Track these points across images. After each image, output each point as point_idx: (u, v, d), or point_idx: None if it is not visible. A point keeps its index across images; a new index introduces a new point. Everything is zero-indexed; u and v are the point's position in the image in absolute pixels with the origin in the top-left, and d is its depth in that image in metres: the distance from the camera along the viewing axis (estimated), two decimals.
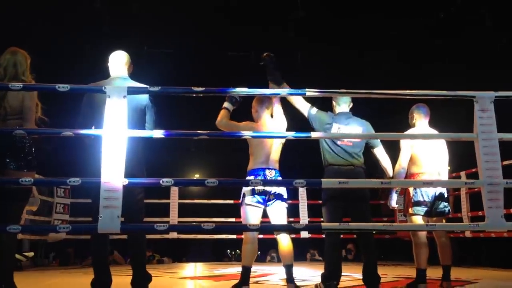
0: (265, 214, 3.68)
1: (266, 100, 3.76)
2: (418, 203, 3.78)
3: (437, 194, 3.78)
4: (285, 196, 3.66)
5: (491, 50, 8.06)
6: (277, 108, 3.76)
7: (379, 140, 3.69)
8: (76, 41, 9.03)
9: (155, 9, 8.56)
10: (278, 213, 3.62)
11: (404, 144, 3.83)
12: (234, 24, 8.78)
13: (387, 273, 5.28)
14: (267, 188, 3.54)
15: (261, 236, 6.51)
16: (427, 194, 3.77)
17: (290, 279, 3.52)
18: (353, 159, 3.54)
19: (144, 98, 3.15)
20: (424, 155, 3.83)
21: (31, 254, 7.25)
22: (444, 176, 3.92)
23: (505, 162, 5.06)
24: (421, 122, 3.95)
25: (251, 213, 3.56)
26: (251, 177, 3.54)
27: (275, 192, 3.57)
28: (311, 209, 7.77)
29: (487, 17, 7.67)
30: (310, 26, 8.75)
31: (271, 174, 3.58)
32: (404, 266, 6.53)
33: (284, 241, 3.57)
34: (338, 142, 3.55)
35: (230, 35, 9.23)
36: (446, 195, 3.87)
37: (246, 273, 3.51)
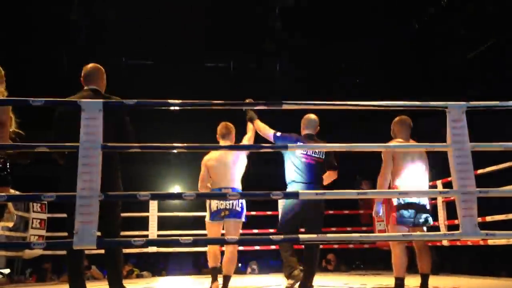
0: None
1: (227, 134, 4.41)
2: (401, 214, 3.78)
3: (420, 204, 3.80)
4: (242, 212, 4.23)
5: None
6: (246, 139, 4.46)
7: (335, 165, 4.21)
8: (51, 53, 8.94)
9: (133, 20, 8.53)
10: (230, 228, 4.22)
11: (386, 155, 3.86)
12: (213, 35, 8.81)
13: (366, 282, 5.31)
14: (222, 206, 4.17)
15: (241, 248, 6.49)
16: (410, 204, 3.78)
17: None
18: (314, 177, 4.10)
19: (115, 110, 3.09)
20: (406, 167, 3.85)
21: (7, 270, 7.10)
22: (425, 187, 3.97)
23: (479, 171, 5.16)
24: (402, 135, 3.99)
25: (210, 230, 4.31)
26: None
27: (231, 208, 4.17)
28: None
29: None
30: (289, 37, 8.83)
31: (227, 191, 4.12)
32: (383, 275, 6.57)
33: (228, 254, 4.19)
34: (303, 160, 4.12)
35: (209, 46, 9.26)
36: (428, 206, 3.89)
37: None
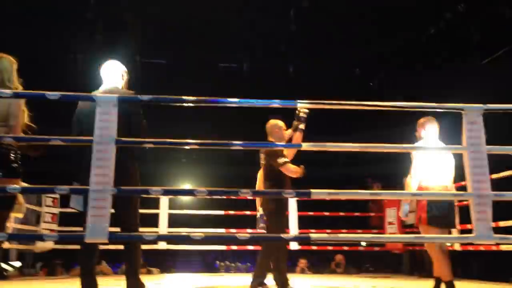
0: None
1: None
2: (433, 214, 3.69)
3: (451, 204, 3.75)
4: None
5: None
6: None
7: None
8: (68, 49, 9.03)
9: (148, 19, 8.59)
10: None
11: (416, 157, 3.82)
12: (227, 36, 8.83)
13: (376, 284, 5.28)
14: None
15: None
16: (441, 205, 3.71)
17: None
18: None
19: (128, 104, 3.07)
20: (436, 168, 3.80)
21: (18, 264, 7.15)
22: (451, 188, 3.92)
23: (494, 176, 5.11)
24: (430, 135, 3.93)
25: None
26: None
27: None
28: (300, 220, 7.74)
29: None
30: (303, 39, 8.84)
31: None
32: (393, 278, 6.53)
33: None
34: None
35: (223, 47, 9.29)
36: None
37: None
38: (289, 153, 4.78)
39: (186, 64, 9.70)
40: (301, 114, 4.44)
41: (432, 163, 3.80)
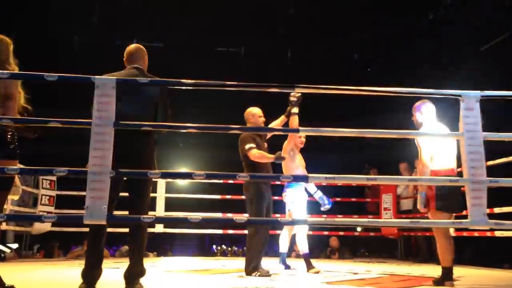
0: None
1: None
2: (444, 200, 3.65)
3: (457, 189, 3.67)
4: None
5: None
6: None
7: None
8: (64, 31, 8.97)
9: (145, 2, 8.53)
10: None
11: (422, 142, 3.73)
12: (224, 19, 8.78)
13: (371, 269, 5.34)
14: None
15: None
16: (449, 191, 3.64)
17: None
18: None
19: (155, 90, 3.13)
20: (441, 152, 3.73)
21: (15, 245, 7.20)
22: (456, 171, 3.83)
23: (490, 162, 5.14)
24: (430, 118, 3.88)
25: None
26: None
27: None
28: None
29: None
30: (300, 24, 8.79)
31: None
32: (388, 263, 6.60)
33: None
34: None
35: (220, 31, 9.23)
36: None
37: None
38: (290, 139, 4.86)
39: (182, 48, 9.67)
40: (292, 98, 4.57)
41: (436, 147, 3.73)
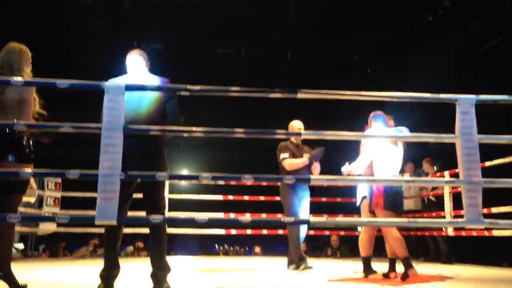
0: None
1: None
2: (390, 200, 4.02)
3: (401, 192, 4.17)
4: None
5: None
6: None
7: None
8: (64, 36, 9.02)
9: (145, 4, 8.58)
10: None
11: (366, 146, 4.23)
12: (224, 21, 8.83)
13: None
14: None
15: (249, 232, 6.57)
16: (395, 192, 4.07)
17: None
18: None
19: (163, 94, 3.21)
20: (386, 159, 4.11)
21: (21, 246, 7.30)
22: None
23: (487, 163, 5.25)
24: (380, 129, 4.22)
25: None
26: None
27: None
28: None
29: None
30: (299, 27, 8.86)
31: None
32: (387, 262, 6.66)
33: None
34: None
35: (220, 32, 9.29)
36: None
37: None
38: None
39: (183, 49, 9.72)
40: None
41: (384, 154, 4.09)
